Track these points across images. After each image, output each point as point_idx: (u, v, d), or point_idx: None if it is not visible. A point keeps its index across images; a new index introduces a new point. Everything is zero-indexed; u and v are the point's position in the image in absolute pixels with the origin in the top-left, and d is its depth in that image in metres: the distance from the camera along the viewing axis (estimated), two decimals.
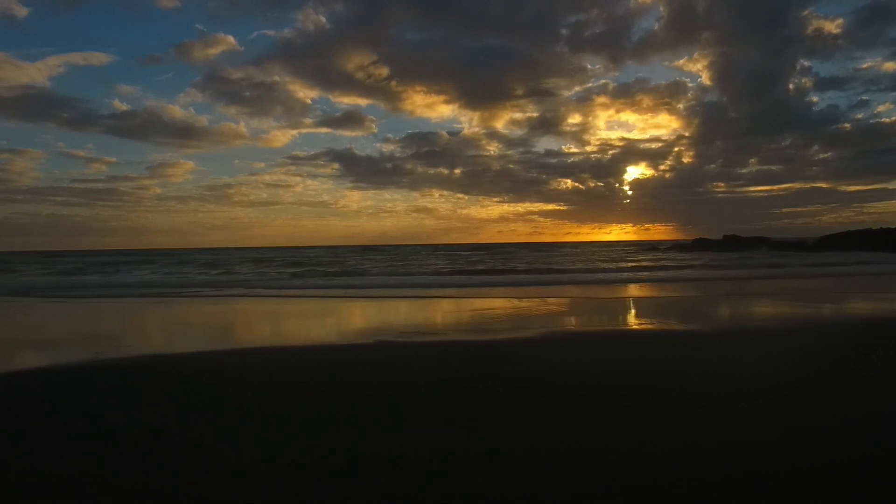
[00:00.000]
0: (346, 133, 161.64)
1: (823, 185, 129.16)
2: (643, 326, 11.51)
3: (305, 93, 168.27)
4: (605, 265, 40.40)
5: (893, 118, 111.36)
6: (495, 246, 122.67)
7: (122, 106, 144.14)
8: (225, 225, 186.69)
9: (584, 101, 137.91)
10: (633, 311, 15.24)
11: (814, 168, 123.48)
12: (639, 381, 6.67)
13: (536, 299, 18.33)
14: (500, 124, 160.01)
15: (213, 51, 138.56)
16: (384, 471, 4.13)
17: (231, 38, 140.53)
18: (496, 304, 17.08)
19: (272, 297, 20.75)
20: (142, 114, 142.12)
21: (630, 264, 41.27)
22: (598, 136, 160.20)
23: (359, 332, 11.88)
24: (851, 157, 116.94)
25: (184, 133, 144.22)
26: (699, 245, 68.22)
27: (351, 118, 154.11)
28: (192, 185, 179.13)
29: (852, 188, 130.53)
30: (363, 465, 4.26)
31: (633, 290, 21.63)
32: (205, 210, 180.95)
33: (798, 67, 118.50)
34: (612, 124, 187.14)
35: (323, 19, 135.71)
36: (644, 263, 41.84)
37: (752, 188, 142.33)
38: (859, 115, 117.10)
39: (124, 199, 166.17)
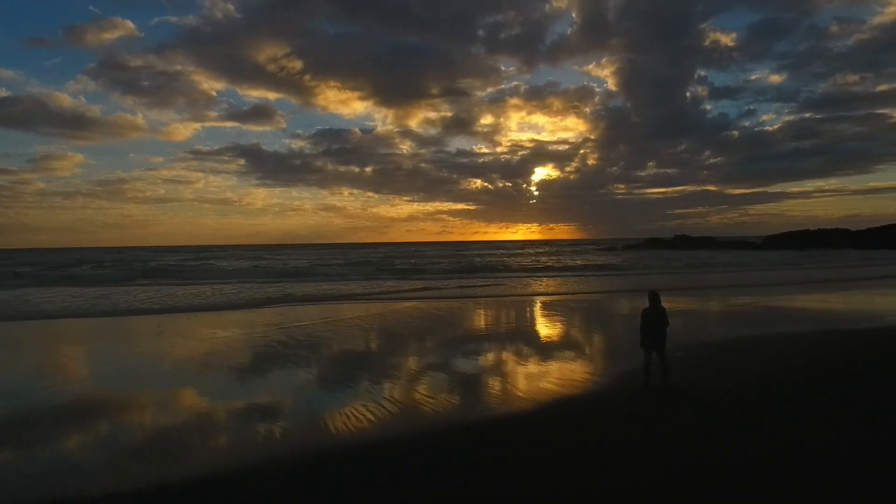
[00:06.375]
0: (254, 128, 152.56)
1: (712, 188, 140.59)
2: None
3: (211, 84, 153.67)
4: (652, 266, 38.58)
5: (776, 126, 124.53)
6: (460, 245, 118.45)
7: (1, 92, 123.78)
8: (117, 223, 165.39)
9: (497, 102, 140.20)
10: None
11: (705, 172, 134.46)
12: None
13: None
14: (413, 123, 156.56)
15: (109, 35, 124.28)
16: None
17: (129, 23, 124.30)
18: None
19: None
20: (25, 101, 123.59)
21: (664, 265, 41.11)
22: (508, 138, 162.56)
23: None
24: (738, 162, 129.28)
25: (73, 123, 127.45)
26: (651, 244, 71.63)
27: (259, 112, 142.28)
28: (81, 179, 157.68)
29: (738, 191, 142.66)
30: None
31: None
32: (94, 206, 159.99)
33: (695, 76, 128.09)
34: (523, 126, 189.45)
35: (231, 7, 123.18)
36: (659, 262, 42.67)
37: (649, 190, 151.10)
38: (746, 123, 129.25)
39: (1, 193, 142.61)
